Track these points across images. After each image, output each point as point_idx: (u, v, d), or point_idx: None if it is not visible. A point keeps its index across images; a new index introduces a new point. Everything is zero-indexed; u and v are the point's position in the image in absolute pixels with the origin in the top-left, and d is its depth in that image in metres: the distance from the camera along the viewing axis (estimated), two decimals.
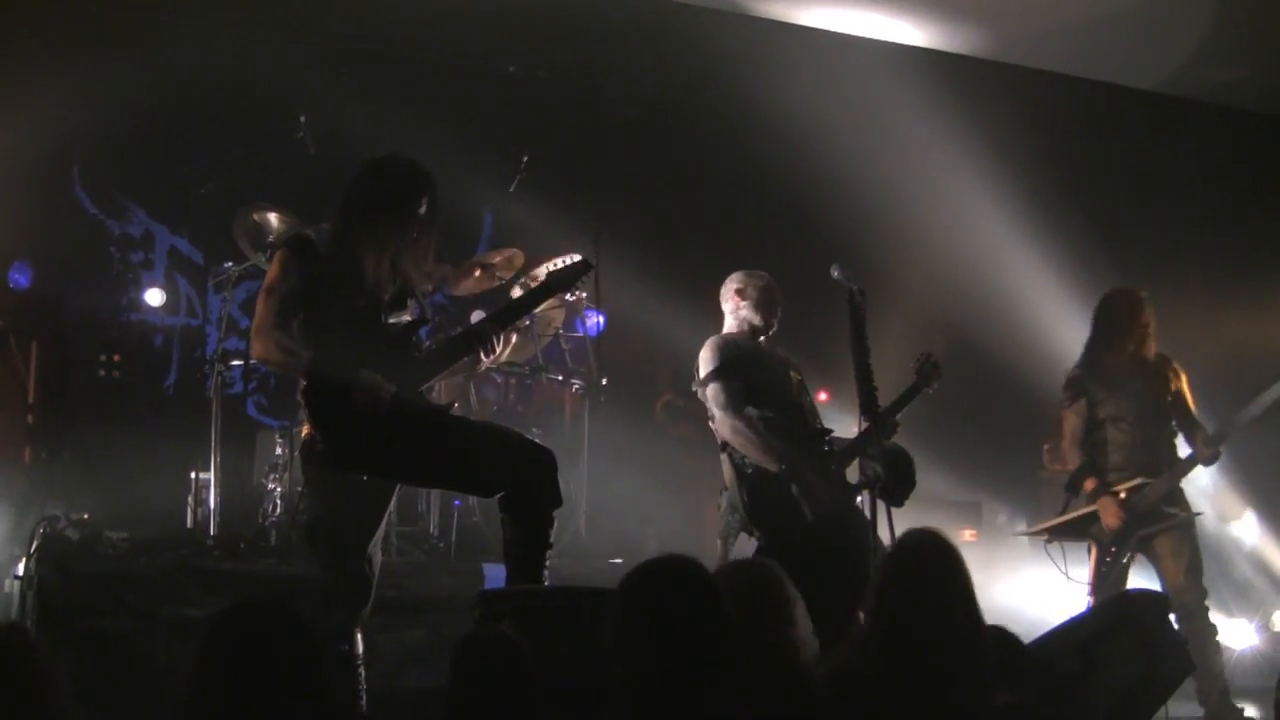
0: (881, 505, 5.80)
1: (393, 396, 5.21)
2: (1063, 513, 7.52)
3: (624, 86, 10.52)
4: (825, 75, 9.97)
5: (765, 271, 6.87)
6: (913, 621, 3.75)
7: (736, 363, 6.51)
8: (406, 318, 5.62)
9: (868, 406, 5.91)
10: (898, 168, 10.48)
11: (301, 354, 5.24)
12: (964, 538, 9.69)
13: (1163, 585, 7.07)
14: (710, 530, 7.74)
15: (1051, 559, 7.37)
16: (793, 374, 6.73)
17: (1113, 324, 7.45)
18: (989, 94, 10.38)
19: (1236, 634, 8.55)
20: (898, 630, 3.77)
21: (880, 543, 5.60)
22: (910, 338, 8.97)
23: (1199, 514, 7.37)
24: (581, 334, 9.76)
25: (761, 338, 6.77)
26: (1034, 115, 10.63)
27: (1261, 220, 11.45)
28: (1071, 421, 7.47)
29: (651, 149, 10.82)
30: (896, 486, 6.09)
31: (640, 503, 9.10)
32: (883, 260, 9.74)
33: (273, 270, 5.40)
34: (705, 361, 6.56)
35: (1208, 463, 7.30)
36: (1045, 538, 7.49)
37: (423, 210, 5.53)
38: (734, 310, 6.79)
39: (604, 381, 9.44)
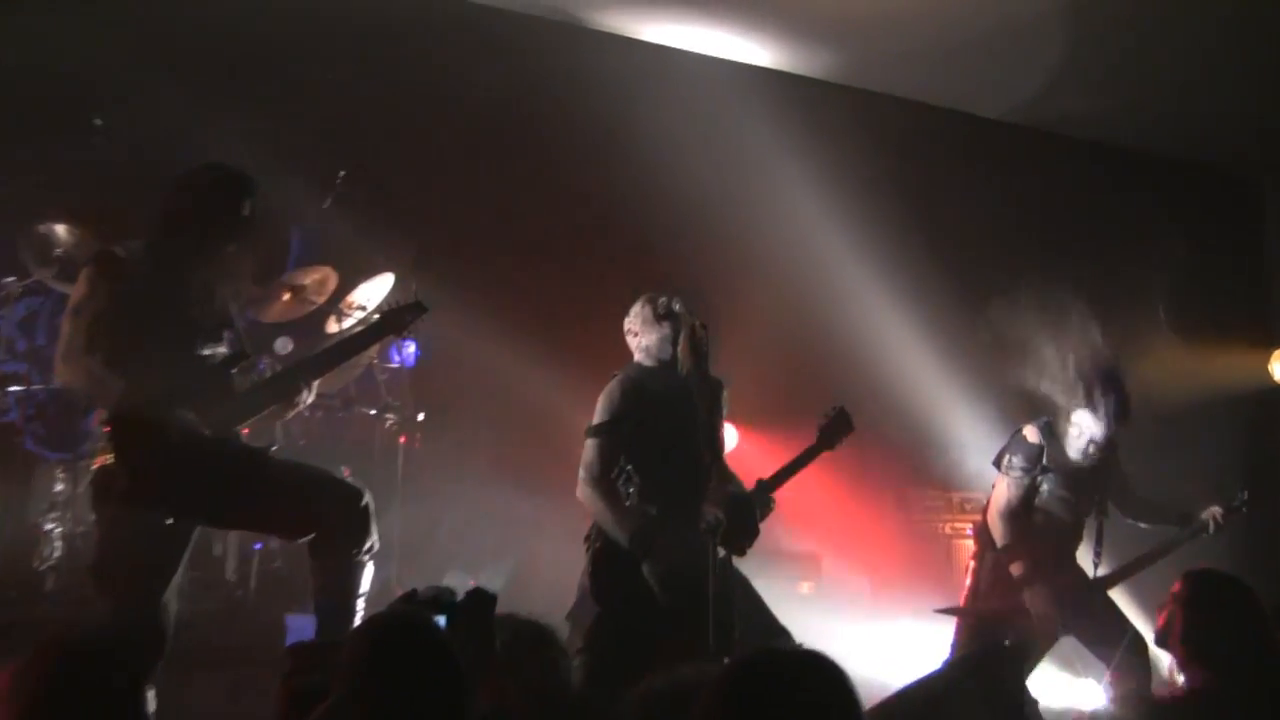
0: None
1: (206, 438, 5.02)
2: (973, 585, 7.13)
3: (454, 100, 10.08)
4: (667, 92, 9.81)
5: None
6: None
7: (632, 412, 6.08)
8: (223, 349, 5.41)
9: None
10: (742, 187, 10.34)
11: (111, 383, 4.98)
12: (801, 590, 9.54)
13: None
14: (540, 580, 7.64)
15: None
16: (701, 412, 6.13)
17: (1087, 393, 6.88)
18: (835, 116, 10.31)
19: (1084, 694, 8.30)
20: None
21: (720, 588, 5.38)
22: (752, 362, 8.69)
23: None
24: (397, 364, 9.36)
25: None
26: (879, 139, 10.56)
27: (1105, 250, 11.53)
28: (1012, 492, 6.86)
29: (481, 165, 10.32)
30: (738, 533, 5.82)
31: (461, 549, 8.72)
32: (727, 280, 9.53)
33: (79, 289, 5.16)
34: (600, 410, 6.15)
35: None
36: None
37: (245, 213, 5.42)
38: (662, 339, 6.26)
39: (420, 416, 9.15)
